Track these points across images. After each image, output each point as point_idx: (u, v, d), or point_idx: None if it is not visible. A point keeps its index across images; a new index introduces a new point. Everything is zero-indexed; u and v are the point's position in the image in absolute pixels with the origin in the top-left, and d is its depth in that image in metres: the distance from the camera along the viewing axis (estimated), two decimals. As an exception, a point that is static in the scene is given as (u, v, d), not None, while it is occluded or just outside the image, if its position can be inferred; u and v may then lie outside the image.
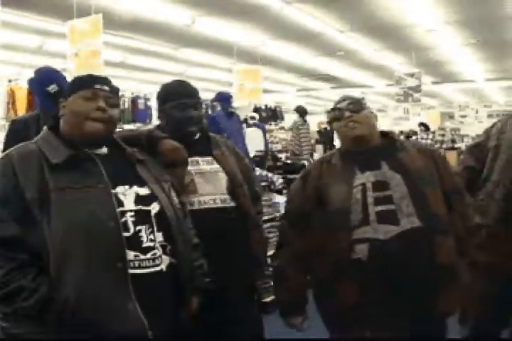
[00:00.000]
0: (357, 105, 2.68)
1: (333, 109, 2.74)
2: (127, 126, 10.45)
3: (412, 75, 16.02)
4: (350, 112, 2.65)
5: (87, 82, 2.20)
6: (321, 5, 10.65)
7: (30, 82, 4.19)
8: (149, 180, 2.23)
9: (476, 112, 23.55)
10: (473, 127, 22.38)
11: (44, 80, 3.76)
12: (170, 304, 2.14)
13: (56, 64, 8.44)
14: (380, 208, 2.50)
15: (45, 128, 2.25)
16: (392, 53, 16.20)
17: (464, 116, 23.23)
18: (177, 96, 2.96)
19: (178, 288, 2.18)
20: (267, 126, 12.96)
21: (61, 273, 1.95)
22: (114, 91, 2.26)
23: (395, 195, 2.51)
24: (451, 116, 24.52)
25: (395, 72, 16.58)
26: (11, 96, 8.74)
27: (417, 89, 16.01)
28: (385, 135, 2.78)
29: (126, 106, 11.15)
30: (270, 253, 5.90)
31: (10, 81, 9.18)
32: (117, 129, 2.42)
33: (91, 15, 7.95)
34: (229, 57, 14.24)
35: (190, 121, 2.95)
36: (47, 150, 2.10)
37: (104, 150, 2.23)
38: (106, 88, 2.21)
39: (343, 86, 23.06)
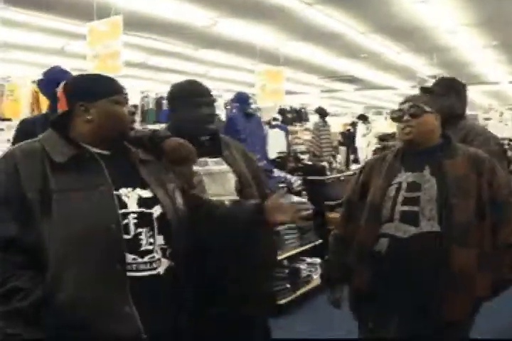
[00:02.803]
0: (417, 109, 2.75)
1: (395, 110, 2.85)
2: (151, 127, 10.48)
3: (434, 77, 15.86)
4: (409, 116, 2.75)
5: (118, 88, 2.22)
6: (341, 6, 10.63)
7: (40, 83, 4.19)
8: (152, 182, 2.21)
9: (501, 115, 23.26)
10: (498, 130, 22.11)
11: (53, 81, 3.74)
12: (167, 307, 2.12)
13: (78, 65, 8.54)
14: (405, 208, 2.64)
15: (49, 128, 2.24)
16: (414, 55, 16.12)
17: (488, 119, 22.94)
18: (199, 94, 3.00)
19: (176, 292, 2.17)
20: (292, 128, 12.91)
21: (59, 274, 1.95)
22: None
23: (423, 197, 2.62)
24: (475, 119, 24.25)
25: (417, 73, 16.47)
26: (35, 96, 8.78)
27: (439, 90, 15.87)
28: (446, 137, 2.85)
29: (151, 106, 11.17)
30: (287, 255, 5.97)
31: (34, 82, 9.25)
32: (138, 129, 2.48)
33: (111, 17, 7.97)
34: (251, 58, 14.26)
35: (212, 118, 3.01)
36: (50, 149, 2.08)
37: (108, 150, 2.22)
38: (126, 93, 2.25)
39: (367, 87, 22.96)
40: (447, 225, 2.57)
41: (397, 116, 2.80)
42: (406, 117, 2.75)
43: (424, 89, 3.77)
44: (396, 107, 2.85)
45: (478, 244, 2.60)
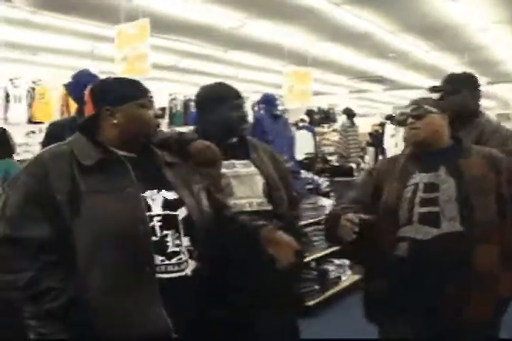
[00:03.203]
0: (420, 110, 2.71)
1: (398, 114, 2.82)
2: (179, 129, 10.52)
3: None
4: (412, 118, 2.71)
5: (144, 91, 2.24)
6: (369, 6, 10.57)
7: (68, 86, 4.24)
8: (177, 184, 2.23)
9: (536, 113, 22.99)
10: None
11: (80, 84, 3.77)
12: (195, 307, 2.14)
13: (107, 68, 8.61)
14: (424, 209, 2.58)
15: (77, 131, 2.26)
16: (444, 54, 15.99)
17: (522, 117, 22.69)
18: (230, 97, 3.01)
19: (203, 292, 2.18)
20: (320, 129, 12.89)
21: (89, 274, 1.98)
22: None
23: (442, 197, 2.57)
24: (508, 117, 23.96)
25: (447, 72, 16.33)
26: (65, 99, 8.87)
27: (470, 89, 15.70)
28: (456, 138, 2.80)
29: (179, 108, 11.21)
30: (315, 256, 5.96)
31: (64, 85, 9.33)
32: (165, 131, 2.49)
33: (138, 20, 8.01)
34: (279, 59, 14.25)
35: (243, 120, 3.03)
36: (78, 152, 2.11)
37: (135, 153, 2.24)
38: (151, 96, 2.27)
39: (396, 88, 22.82)
40: (469, 225, 2.52)
41: (401, 120, 2.77)
42: (410, 120, 2.71)
43: (433, 89, 3.67)
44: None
45: (501, 242, 2.56)
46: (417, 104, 2.75)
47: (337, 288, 6.21)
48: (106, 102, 2.17)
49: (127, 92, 2.20)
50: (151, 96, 2.26)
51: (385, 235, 2.63)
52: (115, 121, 2.16)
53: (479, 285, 2.51)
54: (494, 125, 3.62)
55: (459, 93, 3.51)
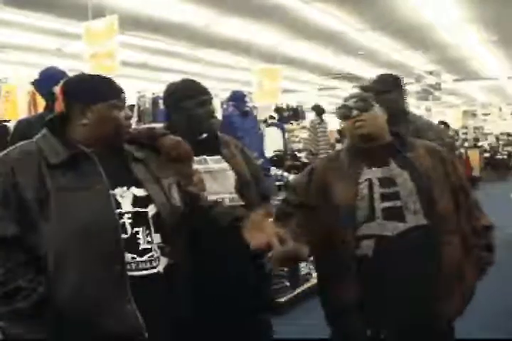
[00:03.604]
0: (365, 103, 2.65)
1: (341, 107, 2.70)
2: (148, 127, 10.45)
3: (431, 73, 15.92)
4: (357, 111, 2.62)
5: (117, 92, 2.20)
6: (339, 4, 10.64)
7: (35, 82, 4.19)
8: (147, 180, 2.20)
9: (500, 110, 23.37)
10: (497, 125, 22.25)
11: (49, 81, 3.74)
12: (167, 305, 2.12)
13: (75, 65, 8.54)
14: (386, 204, 2.50)
15: (44, 128, 2.22)
16: (412, 52, 16.14)
17: (487, 114, 23.03)
18: (197, 93, 3.00)
19: (176, 289, 2.17)
20: (289, 126, 12.92)
21: (59, 273, 1.95)
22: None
23: (402, 191, 2.51)
24: (474, 114, 24.25)
25: (414, 69, 16.51)
26: (33, 97, 8.78)
27: (436, 86, 15.90)
28: (395, 134, 2.75)
29: (147, 106, 11.15)
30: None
31: (31, 83, 9.23)
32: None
33: (106, 17, 7.95)
34: (248, 56, 14.26)
35: (211, 116, 3.02)
36: (46, 150, 2.08)
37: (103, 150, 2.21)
38: (124, 96, 2.23)
39: (365, 85, 22.96)
40: (433, 216, 2.49)
41: (345, 113, 2.66)
42: (355, 112, 2.62)
43: (363, 88, 3.56)
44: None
45: (461, 231, 2.56)
46: (360, 97, 2.69)
47: (308, 285, 6.19)
48: (78, 100, 2.13)
49: (101, 92, 2.15)
50: (125, 97, 2.22)
51: (343, 235, 2.51)
52: (85, 121, 2.12)
53: (451, 278, 2.49)
54: (425, 121, 3.83)
55: (389, 92, 3.62)
